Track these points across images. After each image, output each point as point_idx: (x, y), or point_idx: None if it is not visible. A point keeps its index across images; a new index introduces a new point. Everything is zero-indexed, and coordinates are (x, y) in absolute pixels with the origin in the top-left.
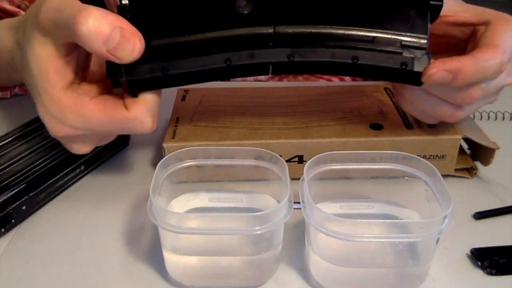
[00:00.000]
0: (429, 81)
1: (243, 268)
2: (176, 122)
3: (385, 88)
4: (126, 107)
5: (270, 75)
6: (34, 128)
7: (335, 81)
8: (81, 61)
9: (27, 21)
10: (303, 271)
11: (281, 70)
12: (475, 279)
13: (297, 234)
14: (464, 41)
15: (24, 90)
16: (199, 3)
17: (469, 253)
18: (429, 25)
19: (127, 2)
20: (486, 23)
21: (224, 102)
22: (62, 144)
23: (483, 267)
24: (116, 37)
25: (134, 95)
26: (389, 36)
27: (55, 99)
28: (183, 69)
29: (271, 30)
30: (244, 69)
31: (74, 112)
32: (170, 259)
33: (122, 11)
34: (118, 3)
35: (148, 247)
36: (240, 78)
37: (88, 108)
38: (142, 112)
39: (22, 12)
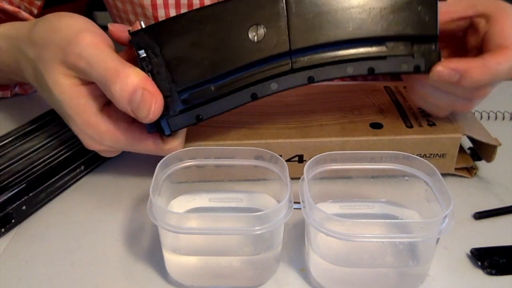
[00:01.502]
0: (434, 77)
1: (243, 268)
2: None
3: (385, 87)
4: (162, 140)
5: None
6: (34, 128)
7: (335, 80)
8: None
9: (45, 46)
10: (303, 271)
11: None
12: (475, 279)
13: (297, 234)
14: (461, 31)
15: (24, 90)
16: (214, 41)
17: (469, 253)
18: (438, 19)
19: (145, 54)
20: (484, 16)
21: None
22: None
23: (483, 267)
24: (137, 99)
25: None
26: (401, 41)
27: (91, 124)
28: (215, 112)
29: (288, 61)
30: (267, 96)
31: (113, 138)
32: (170, 259)
33: (141, 62)
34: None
35: (148, 247)
36: None
37: (127, 136)
38: (177, 145)
39: (23, 13)
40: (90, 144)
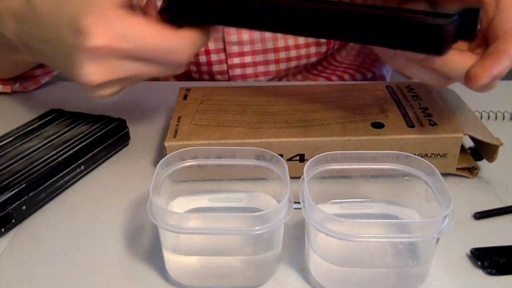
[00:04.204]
0: (473, 84)
1: (243, 268)
2: (178, 121)
3: (387, 87)
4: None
5: (271, 76)
6: (34, 128)
7: (335, 79)
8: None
9: None
10: (303, 271)
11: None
12: (475, 279)
13: (297, 234)
14: None
15: (24, 87)
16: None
17: (469, 253)
18: None
19: None
20: None
21: (226, 101)
22: (87, 86)
23: (483, 267)
24: None
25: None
26: None
27: (109, 6)
28: None
29: None
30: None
31: (124, 19)
32: (170, 259)
33: None
34: None
35: (148, 247)
36: (240, 79)
37: (138, 20)
38: (190, 37)
39: None
40: (98, 31)
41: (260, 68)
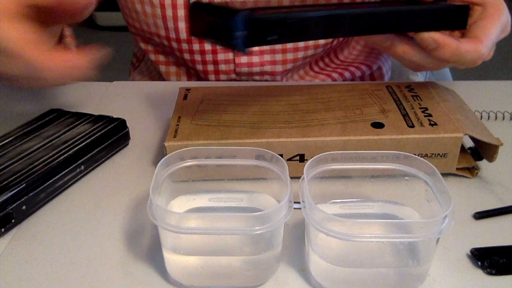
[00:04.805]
0: (417, 39)
1: (243, 268)
2: (178, 121)
3: (387, 87)
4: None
5: (277, 66)
6: (34, 128)
7: (335, 76)
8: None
9: None
10: (303, 271)
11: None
12: (475, 279)
13: (297, 234)
14: None
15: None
16: None
17: (469, 253)
18: None
19: None
20: (482, 5)
21: (226, 100)
22: None
23: (483, 267)
24: None
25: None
26: None
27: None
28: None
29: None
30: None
31: (6, 23)
32: (170, 259)
33: None
34: None
35: (148, 247)
36: (246, 67)
37: (22, 26)
38: (59, 58)
39: None
40: None
41: (267, 57)
